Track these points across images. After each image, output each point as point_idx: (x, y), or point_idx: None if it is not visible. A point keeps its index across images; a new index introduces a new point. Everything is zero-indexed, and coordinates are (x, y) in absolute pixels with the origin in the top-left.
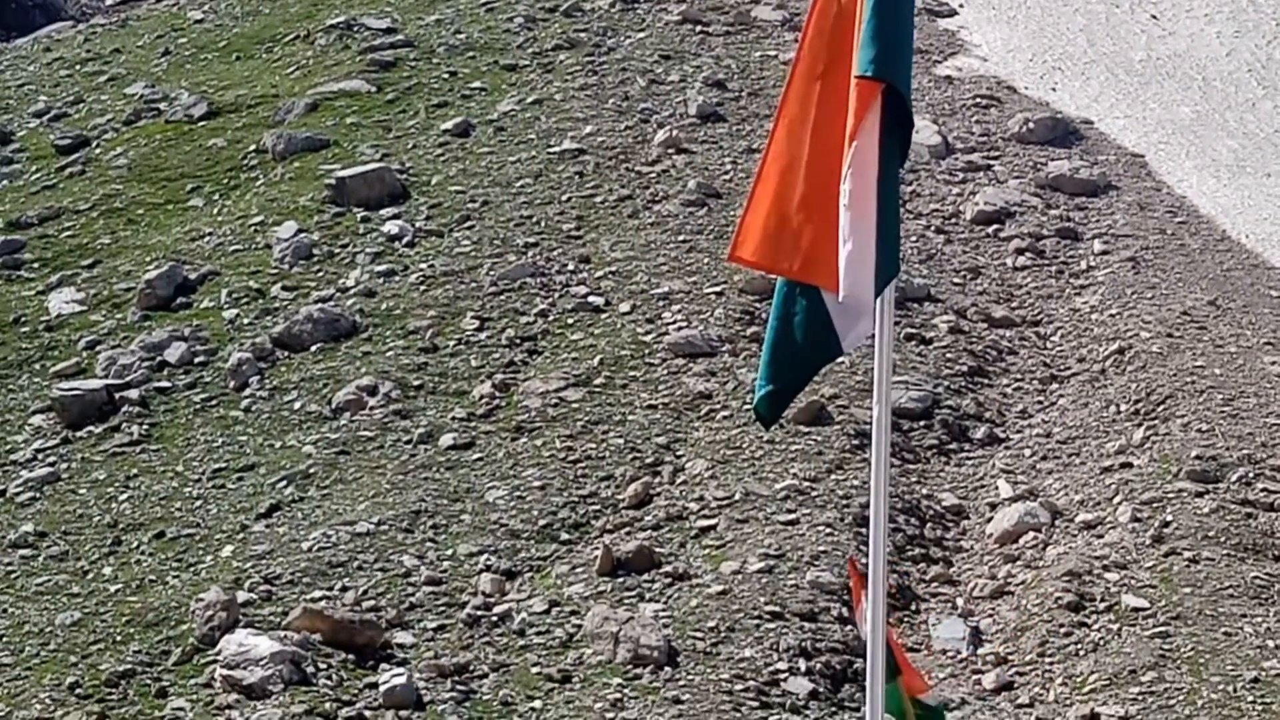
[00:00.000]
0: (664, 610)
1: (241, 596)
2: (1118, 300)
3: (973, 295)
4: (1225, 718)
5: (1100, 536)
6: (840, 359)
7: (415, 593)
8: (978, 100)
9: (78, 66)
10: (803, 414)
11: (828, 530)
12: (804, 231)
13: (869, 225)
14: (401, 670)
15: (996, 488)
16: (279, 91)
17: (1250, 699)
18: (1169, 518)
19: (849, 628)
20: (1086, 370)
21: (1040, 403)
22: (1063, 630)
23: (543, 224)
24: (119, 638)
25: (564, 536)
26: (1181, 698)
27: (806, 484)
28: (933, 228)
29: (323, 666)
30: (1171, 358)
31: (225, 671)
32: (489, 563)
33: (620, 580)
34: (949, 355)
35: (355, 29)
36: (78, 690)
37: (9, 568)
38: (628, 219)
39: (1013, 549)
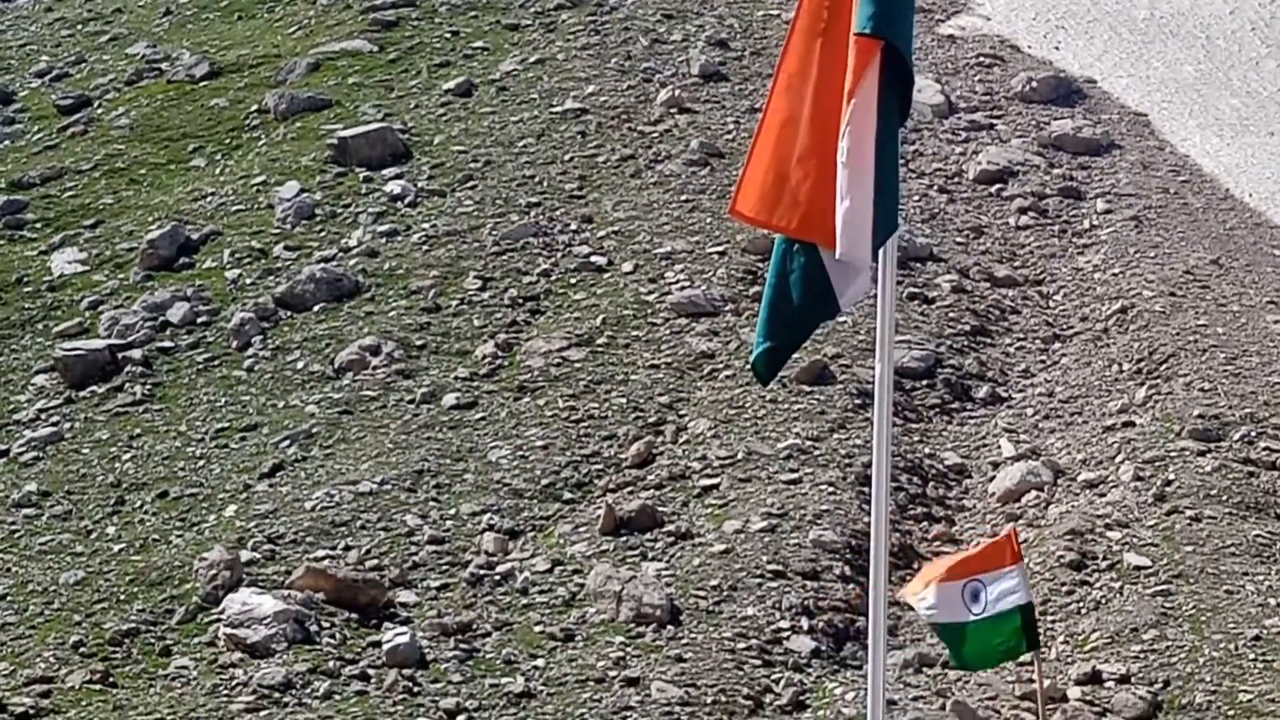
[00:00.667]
0: (666, 569)
1: (245, 556)
2: (1120, 259)
3: (975, 254)
4: (1227, 675)
5: (1102, 495)
6: (841, 318)
7: (418, 552)
8: (980, 59)
9: (79, 26)
10: (805, 373)
11: (830, 489)
12: (802, 189)
13: (866, 183)
14: (404, 629)
15: (999, 447)
16: (281, 51)
17: (1252, 657)
18: (1171, 476)
19: (851, 586)
20: (1089, 329)
21: (1043, 362)
22: (1065, 588)
23: (545, 184)
24: (122, 597)
25: (567, 496)
26: (1183, 655)
27: (809, 443)
28: (935, 187)
29: (326, 625)
30: (1174, 317)
31: (229, 630)
32: (492, 522)
33: (623, 539)
34: (951, 314)
35: None
36: (81, 649)
37: (13, 527)
38: (630, 179)
39: (1015, 508)
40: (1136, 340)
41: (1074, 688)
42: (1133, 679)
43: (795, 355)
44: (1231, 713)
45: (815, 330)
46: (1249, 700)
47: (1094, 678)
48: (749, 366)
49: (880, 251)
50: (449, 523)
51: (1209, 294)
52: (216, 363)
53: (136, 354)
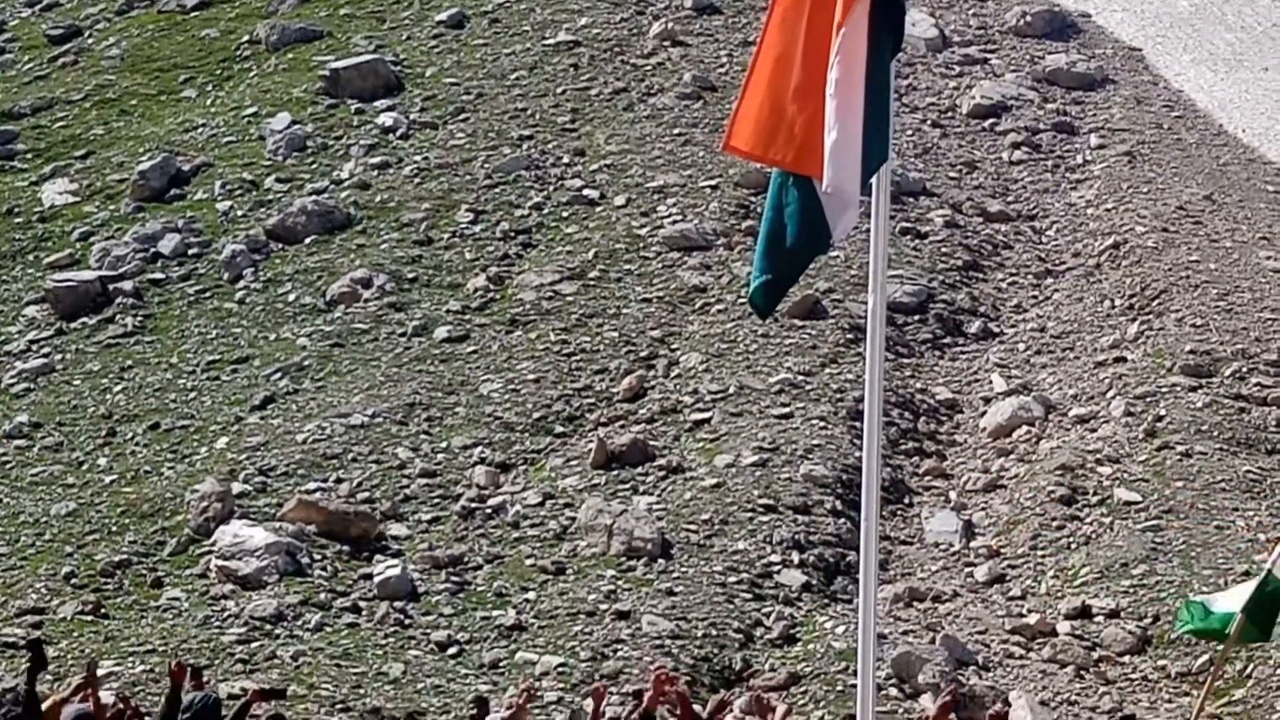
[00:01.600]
0: (657, 503)
1: (236, 488)
2: (1113, 195)
3: (968, 189)
4: None
5: (1093, 430)
6: (833, 252)
7: (409, 485)
8: None
9: None
10: (797, 308)
11: (822, 424)
12: (796, 122)
13: (855, 114)
14: (396, 561)
15: (990, 382)
16: None
17: None
18: (1162, 412)
19: (842, 521)
20: (1081, 265)
21: (1035, 297)
22: (1055, 523)
23: (537, 116)
24: (114, 528)
25: (558, 429)
26: (1172, 590)
27: (801, 378)
28: (929, 121)
29: (317, 557)
30: (1166, 253)
31: (220, 562)
32: (483, 455)
33: (614, 473)
34: (944, 250)
35: None
36: (73, 580)
37: (4, 458)
38: (623, 112)
39: (1006, 443)
40: (1129, 276)
41: (1063, 622)
42: (1122, 613)
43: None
44: (1219, 647)
45: (811, 263)
46: None
47: (1084, 612)
48: (746, 299)
49: (873, 185)
50: (440, 456)
51: (1202, 230)
52: (208, 295)
53: (127, 285)
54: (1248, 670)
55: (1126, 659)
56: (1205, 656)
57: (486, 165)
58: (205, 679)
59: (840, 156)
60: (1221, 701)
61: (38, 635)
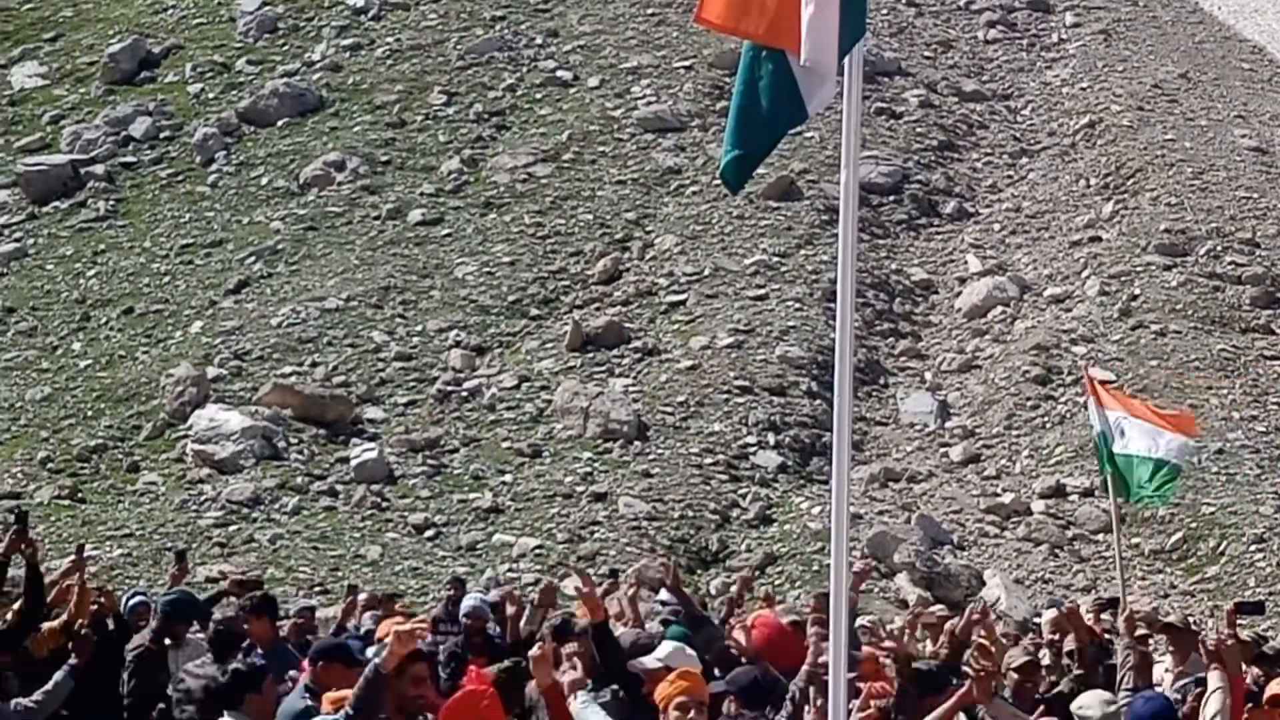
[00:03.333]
0: (633, 385)
1: (211, 372)
2: (1089, 73)
3: (943, 69)
4: (1190, 488)
5: (1068, 310)
6: (808, 132)
7: (385, 368)
8: None
9: None
10: (772, 189)
11: (797, 305)
12: None
13: None
14: (372, 445)
15: (965, 262)
16: None
17: (1215, 470)
18: (1137, 291)
19: (818, 402)
20: (1056, 144)
21: (1010, 177)
22: (1030, 403)
23: None
24: (89, 413)
25: (533, 312)
26: None
27: (776, 259)
28: (903, 0)
29: (294, 441)
30: (1142, 131)
31: (196, 446)
32: (458, 338)
33: (590, 355)
34: (919, 130)
35: None
36: (49, 465)
37: None
38: None
39: (981, 323)
40: (1104, 155)
41: (1038, 501)
42: (1097, 492)
43: (761, 170)
44: (1194, 524)
45: (783, 137)
46: (1211, 512)
47: (1058, 491)
48: (718, 175)
49: (845, 63)
50: (416, 339)
51: (1177, 108)
52: (180, 178)
53: (99, 169)
54: (1221, 548)
55: (1100, 537)
56: (1179, 534)
57: (459, 46)
58: (187, 562)
59: (818, 29)
60: (1195, 578)
61: (21, 508)
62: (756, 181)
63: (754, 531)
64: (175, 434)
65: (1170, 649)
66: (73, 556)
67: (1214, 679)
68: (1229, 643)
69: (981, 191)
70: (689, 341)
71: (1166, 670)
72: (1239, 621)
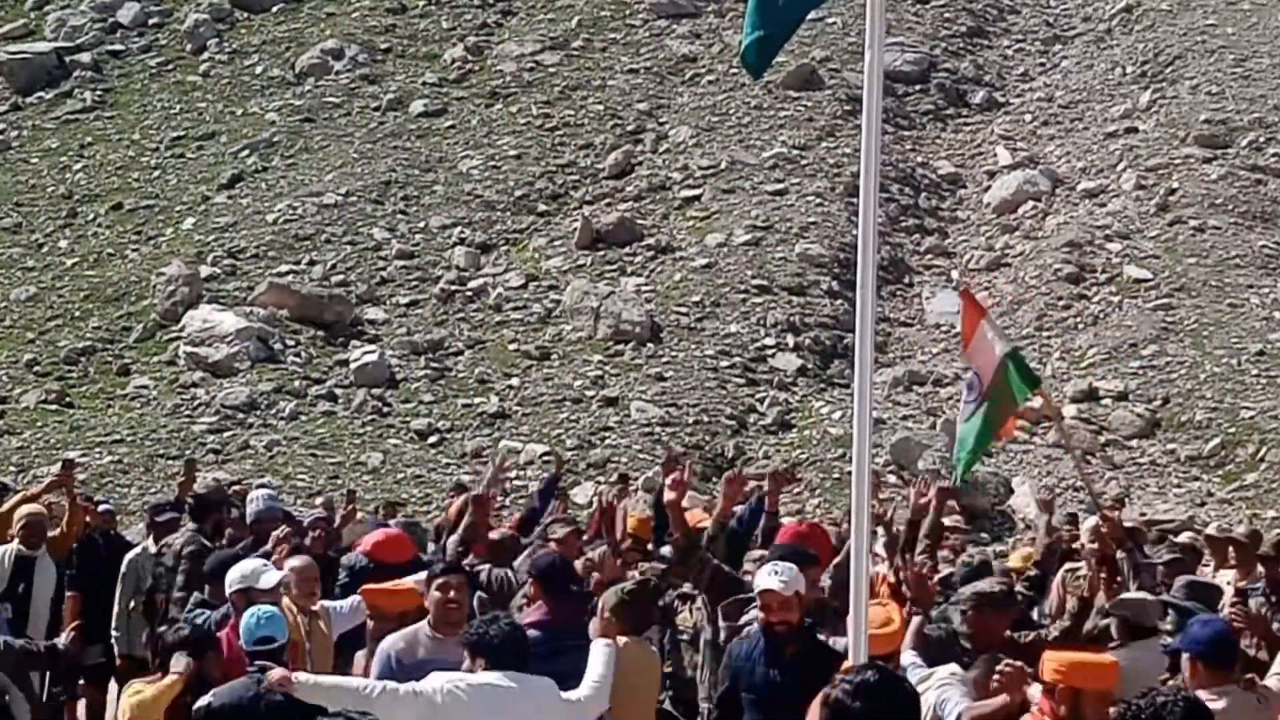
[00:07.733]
0: (646, 284)
1: (204, 271)
2: None
3: None
4: (1229, 391)
5: (1102, 205)
6: (831, 18)
7: (386, 267)
8: None
9: None
10: (792, 78)
11: (818, 200)
12: None
13: None
14: (373, 347)
15: (995, 155)
16: None
17: (1255, 372)
18: (1175, 185)
19: (839, 302)
20: (1091, 30)
21: (1042, 65)
22: (1061, 303)
23: None
24: (78, 313)
25: (541, 208)
26: (1183, 371)
27: (796, 152)
28: None
29: (291, 344)
30: (1181, 16)
31: (189, 348)
32: (463, 235)
33: (600, 253)
34: (947, 14)
35: None
36: (36, 368)
37: None
38: None
39: (1011, 219)
40: (1141, 41)
41: (1070, 405)
42: (1131, 396)
43: (781, 59)
44: (1232, 429)
45: (806, 18)
46: (1250, 417)
47: (1091, 395)
48: (737, 59)
49: None
50: (418, 236)
51: None
52: (170, 67)
53: (86, 58)
54: (1261, 454)
55: (1134, 443)
56: (1216, 440)
57: None
58: (196, 469)
59: None
60: (1233, 485)
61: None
62: (775, 70)
63: (772, 438)
64: (167, 335)
65: (1234, 561)
66: (60, 467)
67: None
68: None
69: (1012, 80)
70: (704, 238)
71: (1228, 583)
72: None
